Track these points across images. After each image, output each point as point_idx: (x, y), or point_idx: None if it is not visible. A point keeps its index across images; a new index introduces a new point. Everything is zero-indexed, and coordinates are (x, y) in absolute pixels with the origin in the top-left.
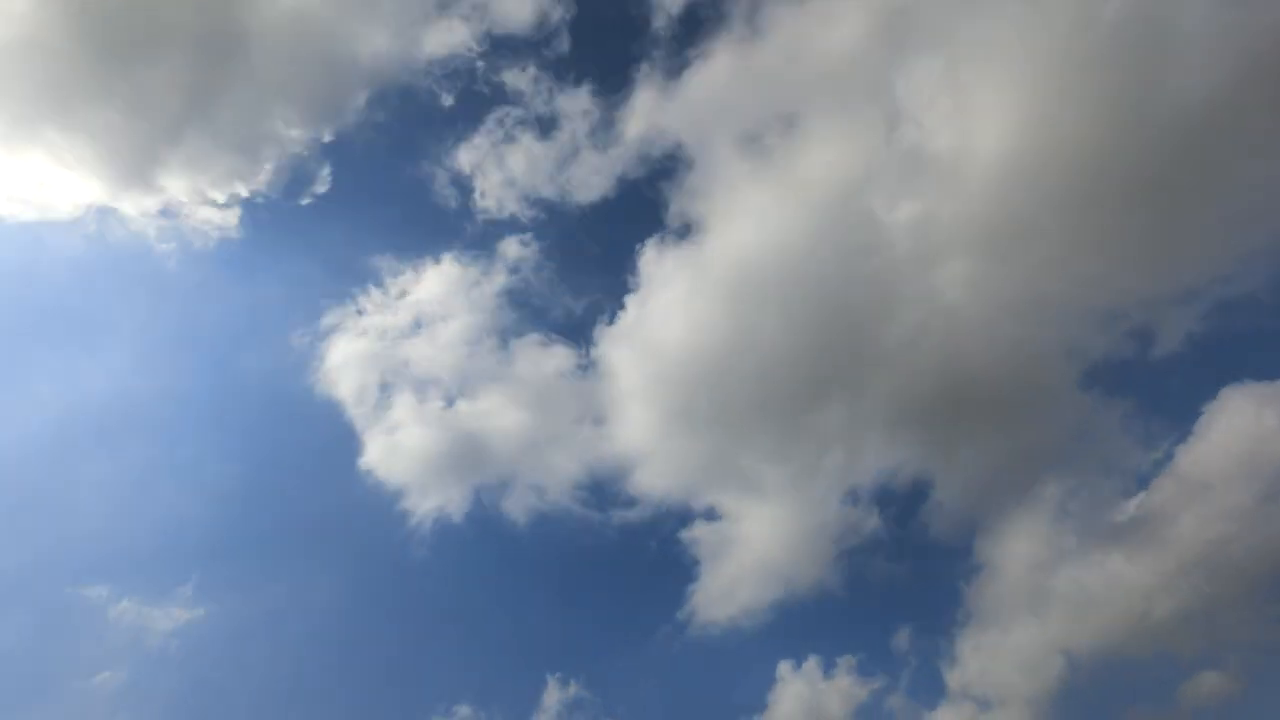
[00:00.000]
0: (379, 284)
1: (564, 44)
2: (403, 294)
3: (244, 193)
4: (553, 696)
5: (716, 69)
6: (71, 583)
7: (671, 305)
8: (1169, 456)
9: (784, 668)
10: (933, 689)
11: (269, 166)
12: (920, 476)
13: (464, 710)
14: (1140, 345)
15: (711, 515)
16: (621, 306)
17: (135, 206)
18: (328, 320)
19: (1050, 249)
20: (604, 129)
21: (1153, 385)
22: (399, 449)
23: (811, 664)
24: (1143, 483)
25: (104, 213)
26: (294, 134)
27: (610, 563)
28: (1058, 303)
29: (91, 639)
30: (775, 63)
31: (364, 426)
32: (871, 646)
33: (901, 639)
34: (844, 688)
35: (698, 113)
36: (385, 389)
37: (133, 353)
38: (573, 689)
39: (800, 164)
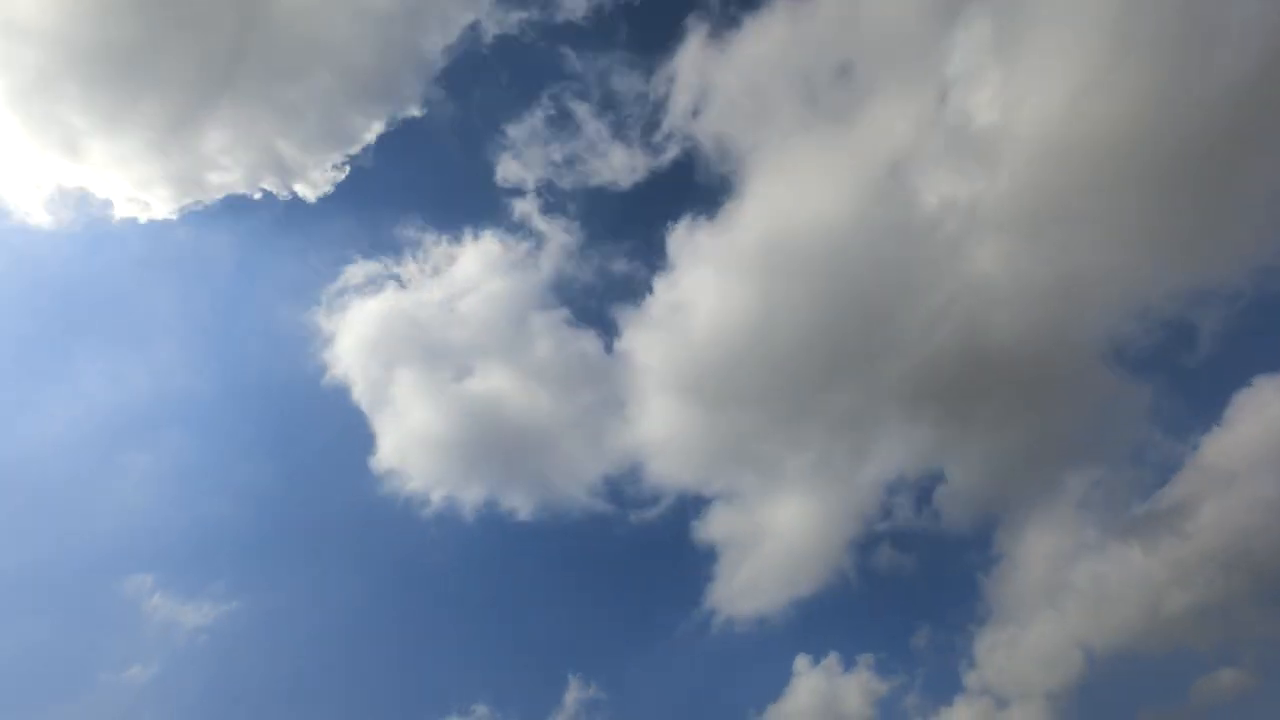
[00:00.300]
0: (415, 258)
1: (613, 17)
2: (435, 271)
3: (293, 179)
4: (571, 695)
5: (763, 42)
6: (106, 578)
7: (701, 287)
8: (1195, 447)
9: (802, 663)
10: (950, 683)
11: (323, 150)
12: (942, 468)
13: (481, 710)
14: (1174, 333)
15: (731, 508)
16: (650, 289)
17: (180, 194)
18: (358, 302)
19: (1088, 232)
20: (648, 107)
21: (1183, 374)
22: (422, 441)
23: (829, 660)
24: (1168, 473)
25: (144, 205)
26: (348, 112)
27: (629, 557)
28: (1092, 288)
29: (124, 633)
30: (825, 32)
31: (385, 416)
32: (889, 641)
33: (919, 633)
34: (862, 682)
35: (741, 89)
36: (407, 377)
37: (174, 348)
38: (592, 690)
39: (845, 138)
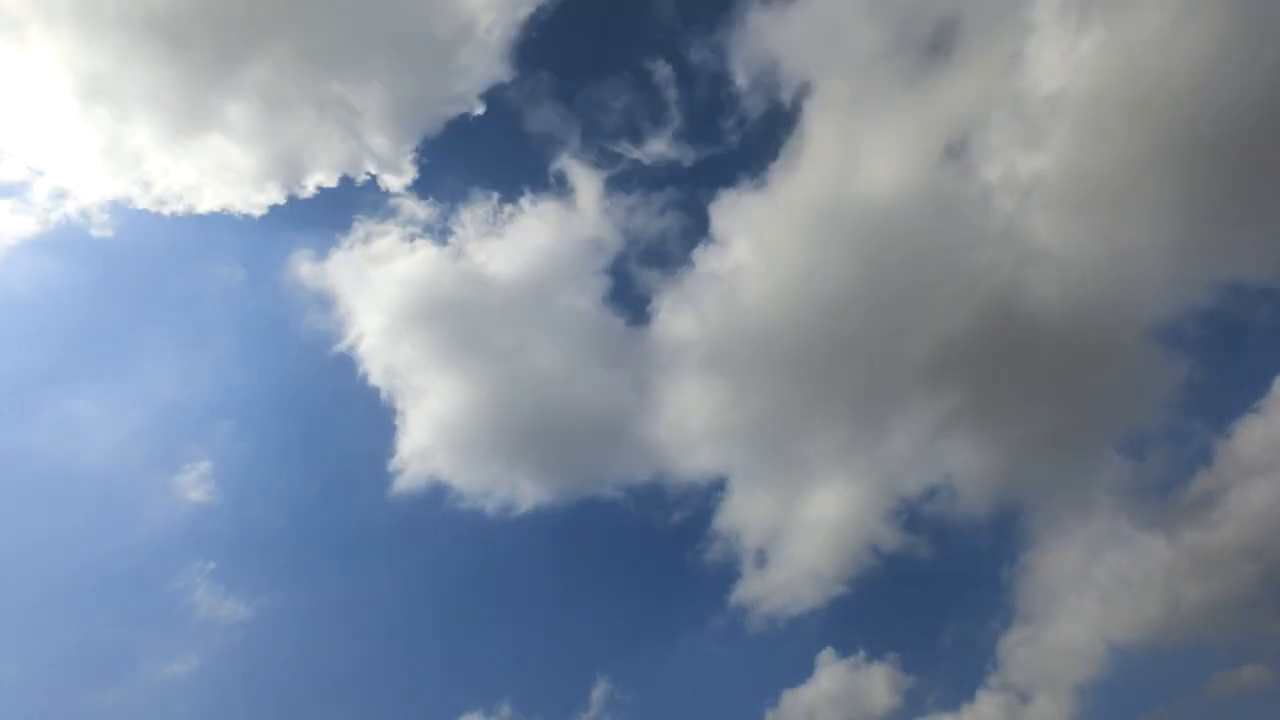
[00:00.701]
0: (466, 221)
1: None
2: (483, 235)
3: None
4: (597, 693)
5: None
6: (152, 573)
7: (747, 260)
8: (1229, 435)
9: (826, 657)
10: (973, 677)
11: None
12: (971, 456)
13: (505, 710)
14: (1220, 317)
15: (761, 500)
16: (692, 262)
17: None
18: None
19: (1145, 206)
20: (714, 73)
21: (1224, 358)
22: (450, 430)
23: (853, 654)
24: (1199, 462)
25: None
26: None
27: (657, 551)
28: (1141, 266)
29: (168, 627)
30: None
31: (414, 403)
32: (914, 634)
33: (943, 627)
34: (886, 677)
35: (807, 50)
36: (441, 357)
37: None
38: (617, 690)
39: (910, 102)
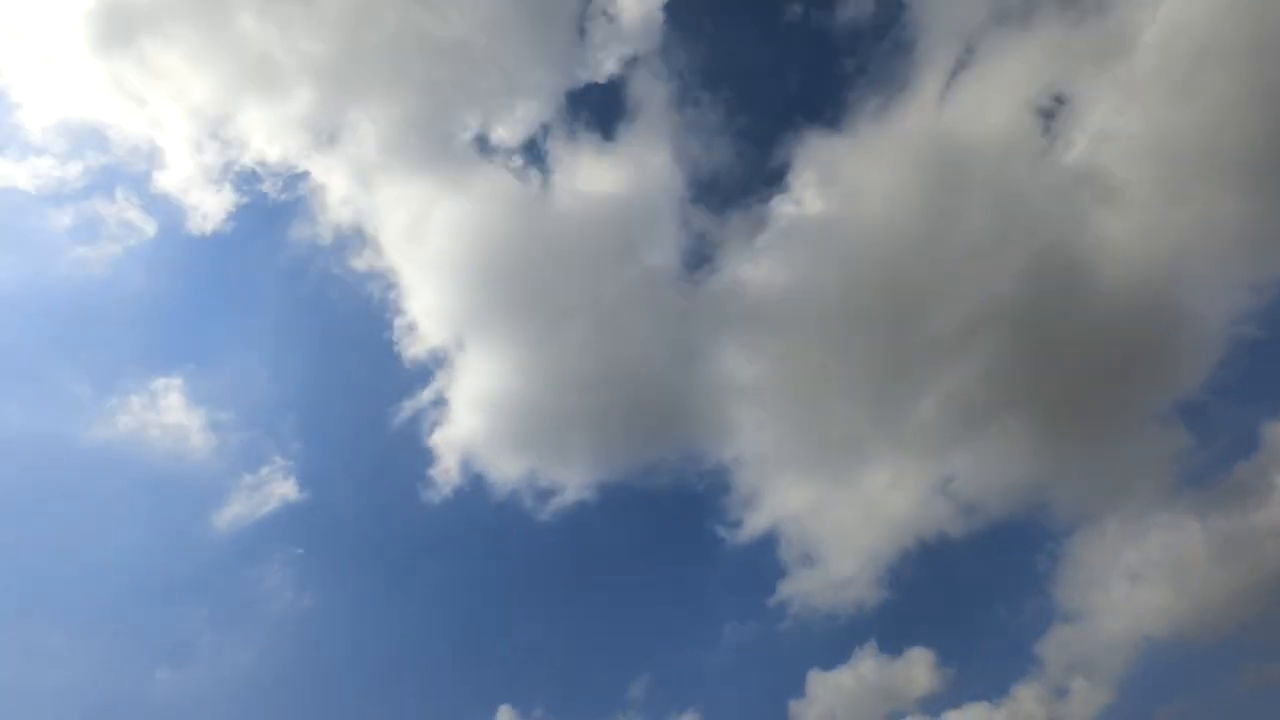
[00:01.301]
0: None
1: None
2: (549, 175)
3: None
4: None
5: None
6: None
7: (824, 211)
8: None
9: (866, 650)
10: (1009, 670)
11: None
12: (1015, 436)
13: (538, 712)
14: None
15: (805, 490)
16: (765, 221)
17: None
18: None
19: (1224, 175)
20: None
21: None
22: (489, 418)
23: (889, 644)
24: (1248, 445)
25: None
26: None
27: (697, 544)
28: (1211, 245)
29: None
30: None
31: (460, 382)
32: (950, 626)
33: (980, 618)
34: (924, 669)
35: None
36: (488, 329)
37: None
38: (652, 682)
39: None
